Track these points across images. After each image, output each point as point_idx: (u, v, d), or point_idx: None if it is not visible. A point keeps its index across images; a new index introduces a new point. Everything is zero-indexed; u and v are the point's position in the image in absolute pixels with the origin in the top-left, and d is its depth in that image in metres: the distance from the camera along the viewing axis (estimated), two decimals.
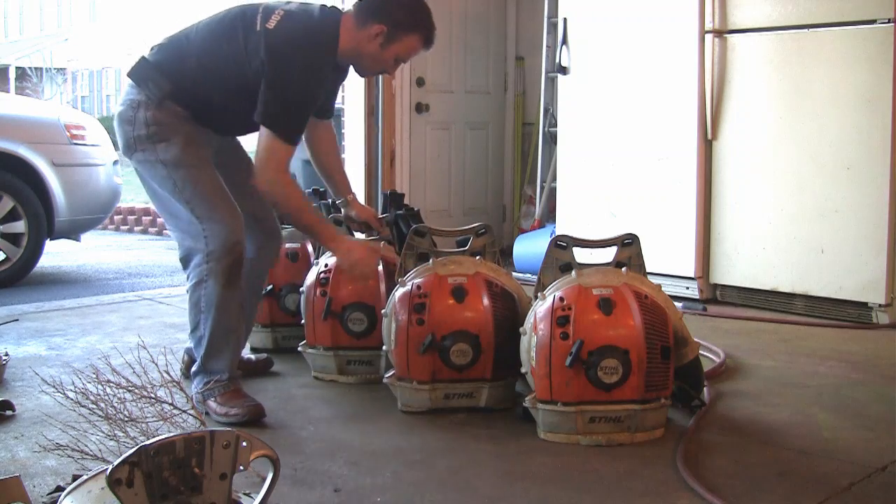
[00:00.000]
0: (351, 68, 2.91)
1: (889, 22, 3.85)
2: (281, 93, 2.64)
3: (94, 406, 2.28)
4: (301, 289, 3.23)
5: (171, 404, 2.33)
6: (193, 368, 2.81)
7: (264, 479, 1.69)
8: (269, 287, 3.49)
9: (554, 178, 5.49)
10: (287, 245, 3.58)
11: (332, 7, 2.80)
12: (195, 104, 2.76)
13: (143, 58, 2.80)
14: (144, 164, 2.76)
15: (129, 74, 2.79)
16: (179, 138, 2.72)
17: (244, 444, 1.64)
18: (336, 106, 6.30)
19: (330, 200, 3.59)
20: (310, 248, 3.57)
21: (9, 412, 2.73)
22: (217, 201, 2.71)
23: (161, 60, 2.77)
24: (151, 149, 2.72)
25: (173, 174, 2.70)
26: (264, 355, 3.35)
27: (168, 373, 2.43)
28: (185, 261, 2.77)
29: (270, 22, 2.67)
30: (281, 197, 2.71)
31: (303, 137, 2.90)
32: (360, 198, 5.72)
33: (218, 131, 2.86)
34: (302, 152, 6.98)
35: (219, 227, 2.67)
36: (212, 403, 2.72)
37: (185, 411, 2.33)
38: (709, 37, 4.37)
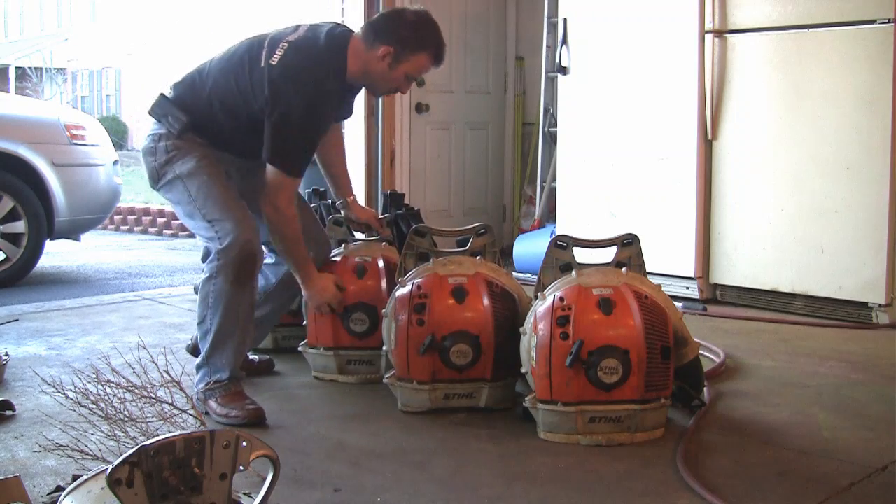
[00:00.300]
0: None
1: (889, 22, 3.85)
2: (284, 130, 2.72)
3: (94, 406, 2.28)
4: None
5: (171, 404, 2.33)
6: (197, 362, 2.85)
7: (264, 479, 1.69)
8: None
9: (554, 178, 5.49)
10: None
11: (341, 30, 2.84)
12: (212, 135, 2.85)
13: (161, 95, 2.89)
14: (168, 187, 2.85)
15: (150, 112, 2.89)
16: (195, 154, 2.81)
17: (244, 444, 1.64)
18: None
19: (330, 201, 3.60)
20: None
21: (9, 412, 2.73)
22: (227, 205, 2.77)
23: (177, 96, 2.87)
24: (171, 169, 2.82)
25: (189, 185, 2.79)
26: (266, 357, 3.36)
27: (168, 373, 2.43)
28: (204, 259, 2.88)
29: (274, 57, 2.73)
30: (282, 228, 2.83)
31: None
32: (360, 198, 5.72)
33: (237, 155, 2.94)
34: None
35: (229, 226, 2.73)
36: (212, 404, 2.74)
37: (185, 411, 2.33)
38: (709, 37, 4.37)
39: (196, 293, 4.12)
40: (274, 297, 3.16)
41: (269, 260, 3.13)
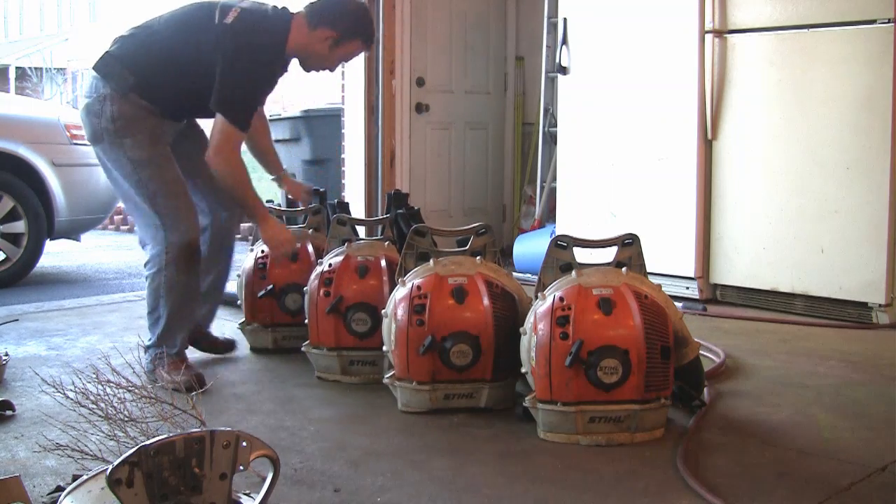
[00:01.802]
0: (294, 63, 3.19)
1: (889, 22, 3.85)
2: (234, 84, 2.95)
3: (94, 406, 2.28)
4: (304, 289, 3.23)
5: (171, 404, 2.33)
6: (147, 343, 3.10)
7: (264, 479, 1.69)
8: (270, 287, 3.50)
9: (554, 178, 5.49)
10: None
11: (284, 7, 3.08)
12: (158, 95, 3.01)
13: (107, 52, 3.05)
14: (110, 155, 3.03)
15: (95, 68, 3.03)
16: (145, 136, 3.00)
17: (244, 444, 1.64)
18: (335, 106, 6.33)
19: (336, 201, 3.63)
20: (310, 248, 3.58)
21: (9, 412, 2.74)
22: (177, 198, 3.00)
23: (125, 54, 3.02)
24: (118, 143, 2.99)
25: (139, 171, 2.99)
26: (230, 339, 3.56)
27: (168, 373, 2.43)
28: (144, 245, 3.10)
29: (228, 17, 2.96)
30: (230, 175, 3.00)
31: None
32: (360, 197, 5.74)
33: (179, 118, 3.14)
34: (302, 153, 7.01)
35: (177, 222, 2.97)
36: (161, 371, 2.99)
37: (185, 411, 2.33)
38: (709, 37, 4.37)
39: None
40: (211, 263, 3.32)
41: None
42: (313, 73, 3.19)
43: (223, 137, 2.95)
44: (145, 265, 3.08)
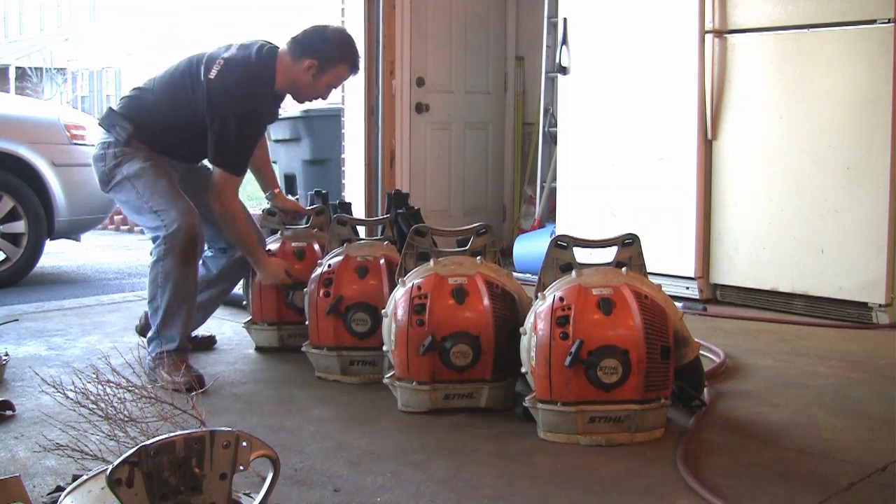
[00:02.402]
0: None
1: (889, 22, 3.85)
2: (224, 136, 3.11)
3: (94, 406, 2.28)
4: (304, 289, 3.23)
5: (171, 404, 2.33)
6: (149, 335, 3.18)
7: (264, 479, 1.69)
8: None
9: (554, 178, 5.49)
10: (293, 244, 3.59)
11: (269, 47, 3.21)
12: (156, 143, 3.20)
13: (110, 108, 3.28)
14: (117, 188, 3.20)
15: (100, 123, 3.27)
16: (141, 156, 3.17)
17: (244, 444, 1.64)
18: (335, 106, 6.33)
19: (338, 201, 3.64)
20: (316, 246, 3.58)
21: (9, 412, 2.73)
22: (172, 197, 3.12)
23: (125, 111, 3.22)
24: (119, 171, 3.17)
25: (136, 184, 3.14)
26: (209, 334, 3.69)
27: (168, 373, 2.43)
28: (152, 238, 3.19)
29: (212, 72, 3.12)
30: (229, 220, 3.22)
31: None
32: (360, 198, 5.74)
33: (181, 159, 3.31)
34: (302, 154, 7.01)
35: (174, 214, 3.07)
36: (161, 371, 3.02)
37: (185, 411, 2.33)
38: (709, 37, 4.37)
39: None
40: (214, 284, 3.50)
41: (208, 253, 3.51)
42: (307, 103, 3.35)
43: (221, 187, 3.16)
44: (151, 256, 3.19)
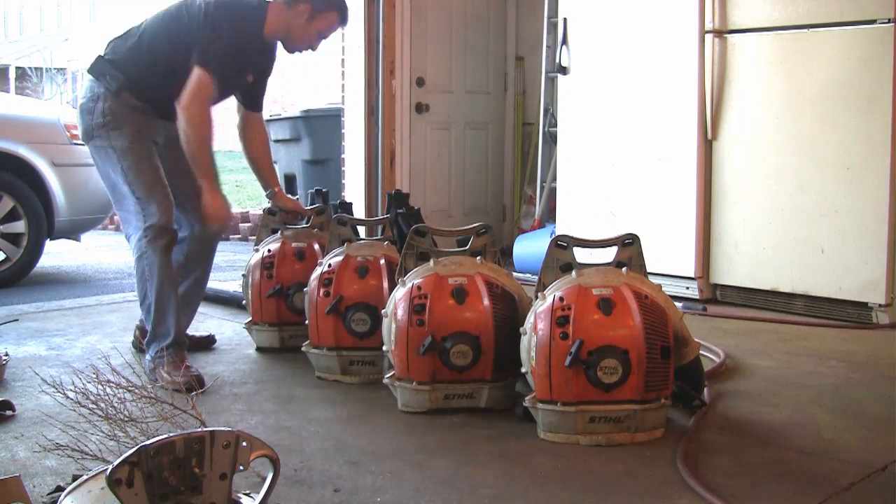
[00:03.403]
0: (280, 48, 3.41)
1: (889, 22, 3.85)
2: (213, 40, 3.12)
3: (94, 406, 2.28)
4: (305, 288, 3.23)
5: (171, 404, 2.33)
6: (147, 338, 3.19)
7: (264, 479, 1.69)
8: (277, 286, 3.51)
9: (554, 178, 5.49)
10: (293, 244, 3.59)
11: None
12: (148, 93, 3.19)
13: (99, 56, 3.24)
14: (99, 149, 3.20)
15: (89, 70, 3.25)
16: (129, 129, 3.17)
17: (244, 444, 1.64)
18: (335, 106, 6.33)
19: (338, 201, 3.64)
20: (316, 247, 3.58)
21: (9, 412, 2.73)
22: (153, 185, 3.15)
23: (115, 57, 3.21)
24: (105, 136, 3.17)
25: (122, 161, 3.15)
26: (207, 333, 3.71)
27: (168, 373, 2.43)
28: (128, 237, 3.21)
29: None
30: (195, 128, 3.10)
31: (240, 133, 3.55)
32: (360, 198, 5.74)
33: (169, 117, 3.20)
34: (302, 153, 7.01)
35: (153, 208, 3.11)
36: (161, 372, 3.05)
37: (185, 411, 2.33)
38: (709, 37, 4.37)
39: None
40: (188, 270, 3.43)
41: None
42: (297, 54, 3.36)
43: (195, 87, 3.09)
44: (133, 255, 3.20)
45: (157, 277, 3.12)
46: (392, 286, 2.97)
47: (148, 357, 3.16)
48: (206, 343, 3.66)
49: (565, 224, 4.91)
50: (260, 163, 3.61)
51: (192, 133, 3.10)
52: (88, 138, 3.22)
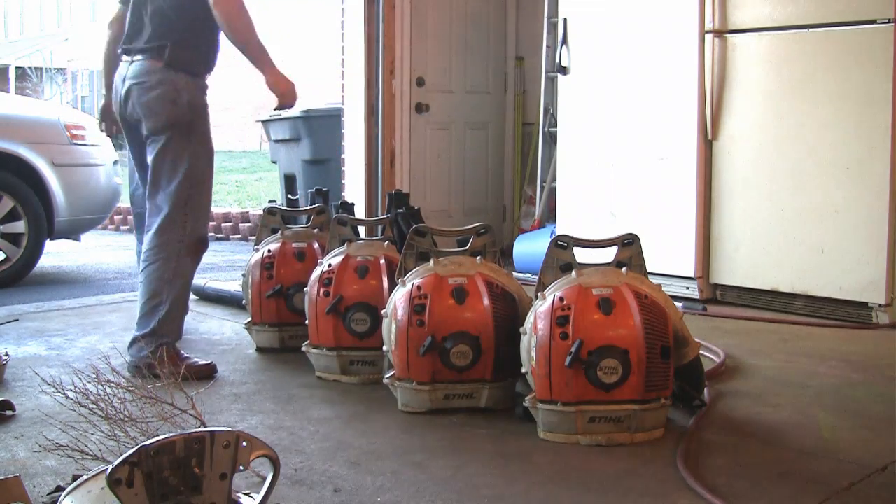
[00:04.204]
0: None
1: (889, 22, 3.85)
2: None
3: (94, 406, 2.28)
4: (305, 288, 3.23)
5: (171, 404, 2.33)
6: (139, 333, 3.16)
7: (264, 479, 1.69)
8: (277, 286, 3.51)
9: (554, 178, 5.49)
10: (294, 244, 3.59)
11: None
12: (204, 62, 3.25)
13: (167, 44, 3.16)
14: (177, 143, 3.16)
15: (168, 64, 3.15)
16: (209, 130, 3.25)
17: (244, 444, 1.64)
18: (335, 106, 6.34)
19: (339, 202, 3.64)
20: (316, 247, 3.58)
21: (9, 412, 2.73)
22: (208, 194, 3.25)
23: (176, 39, 3.16)
24: (187, 137, 3.17)
25: (194, 164, 3.17)
26: (207, 361, 3.30)
27: (168, 372, 2.43)
28: (161, 231, 3.15)
29: None
30: (237, 15, 3.12)
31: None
32: (361, 198, 5.74)
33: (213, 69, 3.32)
34: (302, 154, 7.02)
35: (203, 217, 3.24)
36: (163, 362, 2.75)
37: (185, 411, 2.33)
38: (709, 37, 4.37)
39: (194, 294, 4.28)
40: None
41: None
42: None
43: None
44: (149, 251, 3.16)
45: (181, 283, 3.16)
46: (392, 286, 2.97)
47: (144, 352, 3.09)
48: (208, 372, 3.21)
49: (565, 224, 4.91)
50: None
51: (237, 22, 3.12)
52: (167, 130, 3.15)
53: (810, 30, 4.09)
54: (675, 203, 4.53)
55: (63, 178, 5.56)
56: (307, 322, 3.19)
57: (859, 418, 2.77)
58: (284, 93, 3.23)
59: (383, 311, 2.86)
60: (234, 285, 4.51)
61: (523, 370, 2.60)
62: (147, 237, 3.20)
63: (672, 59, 4.51)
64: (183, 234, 3.14)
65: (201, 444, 1.60)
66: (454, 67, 6.18)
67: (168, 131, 3.15)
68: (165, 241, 3.14)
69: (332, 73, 6.59)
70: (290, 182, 6.87)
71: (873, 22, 3.90)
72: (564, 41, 4.97)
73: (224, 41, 3.25)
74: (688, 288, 4.54)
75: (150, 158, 3.20)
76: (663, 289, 2.66)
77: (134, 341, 3.17)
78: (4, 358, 3.18)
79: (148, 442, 1.59)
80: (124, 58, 3.27)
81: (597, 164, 4.83)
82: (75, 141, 5.66)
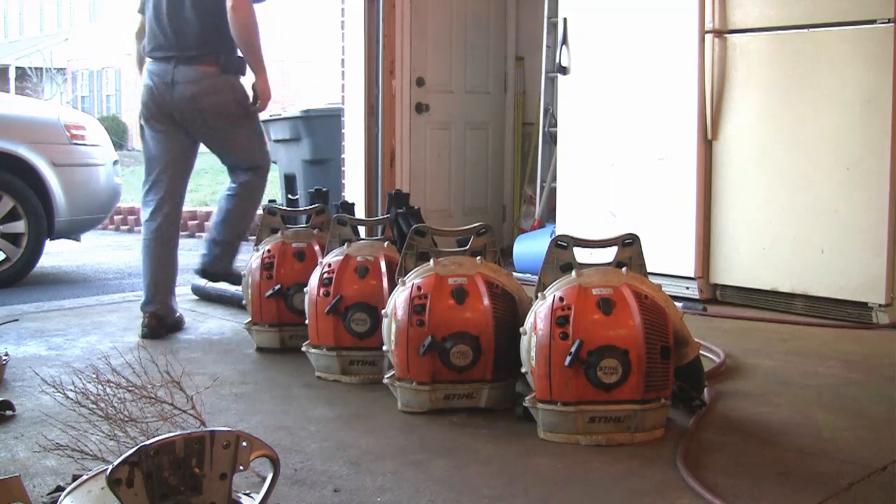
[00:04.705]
0: None
1: (889, 22, 3.85)
2: None
3: (94, 406, 2.28)
4: (305, 288, 3.23)
5: (171, 404, 2.33)
6: (219, 239, 4.08)
7: (264, 479, 1.69)
8: (277, 286, 3.51)
9: (554, 178, 5.49)
10: (293, 244, 3.59)
11: None
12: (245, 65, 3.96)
13: (220, 52, 3.84)
14: (244, 120, 3.98)
15: (224, 69, 3.87)
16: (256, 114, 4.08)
17: (244, 444, 1.64)
18: (335, 106, 6.34)
19: (339, 202, 3.64)
20: (316, 247, 3.58)
21: (9, 412, 2.73)
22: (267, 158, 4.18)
23: (226, 47, 3.85)
24: (248, 125, 4.02)
25: (257, 122, 4.10)
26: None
27: (168, 373, 2.43)
28: (246, 186, 4.08)
29: None
30: (244, 18, 3.77)
31: None
32: (361, 198, 5.74)
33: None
34: (302, 154, 7.01)
35: (268, 159, 4.15)
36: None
37: (185, 411, 2.33)
38: (709, 37, 4.37)
39: (194, 293, 4.34)
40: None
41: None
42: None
43: None
44: (241, 188, 4.05)
45: (248, 219, 4.16)
46: (392, 286, 2.97)
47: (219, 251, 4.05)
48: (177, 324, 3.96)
49: (565, 224, 4.91)
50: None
51: (248, 30, 3.79)
52: (234, 116, 3.90)
53: (810, 30, 4.09)
54: (675, 203, 4.53)
55: (63, 178, 5.57)
56: (307, 322, 3.19)
57: (859, 418, 2.77)
58: (265, 98, 3.94)
59: (383, 311, 2.86)
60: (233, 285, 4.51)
61: (523, 370, 2.60)
62: (237, 187, 4.06)
63: (672, 59, 4.51)
64: (262, 174, 4.08)
65: (201, 444, 1.60)
66: (454, 67, 6.18)
67: (230, 118, 3.89)
68: (252, 179, 4.05)
69: (332, 73, 6.59)
70: (290, 182, 6.88)
71: (873, 22, 3.90)
72: (564, 41, 4.97)
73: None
74: (688, 288, 4.54)
75: (221, 145, 4.03)
76: (663, 289, 2.66)
77: (212, 245, 4.03)
78: (4, 358, 3.18)
79: (148, 442, 1.59)
80: (160, 62, 3.84)
81: (597, 164, 4.83)
82: (75, 141, 5.66)
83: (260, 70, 3.87)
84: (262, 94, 3.90)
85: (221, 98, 3.85)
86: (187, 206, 9.62)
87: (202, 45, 3.81)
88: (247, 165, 4.04)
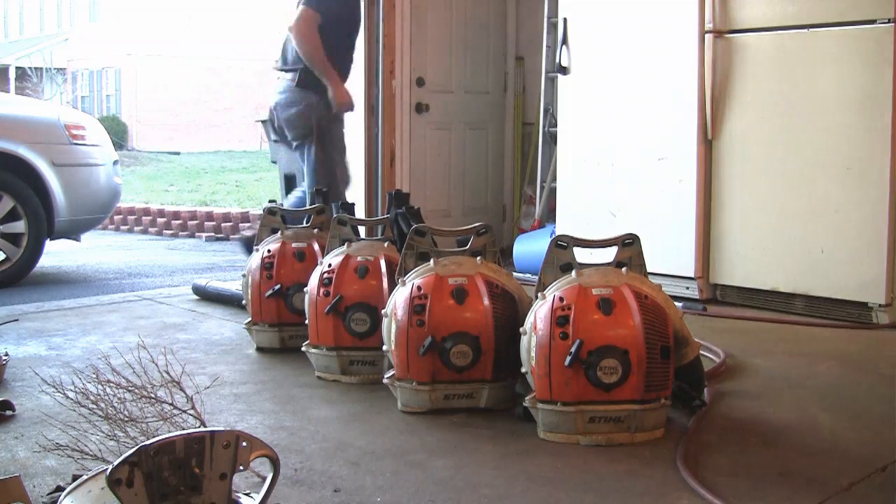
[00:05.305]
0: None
1: (889, 22, 3.85)
2: None
3: (94, 406, 2.28)
4: (305, 288, 3.23)
5: (171, 404, 2.33)
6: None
7: (264, 479, 1.69)
8: (277, 286, 3.50)
9: (554, 178, 5.49)
10: (293, 244, 3.59)
11: None
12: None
13: (301, 68, 4.42)
14: (309, 141, 4.50)
15: (300, 85, 4.45)
16: (338, 132, 4.63)
17: (244, 444, 1.64)
18: None
19: (340, 202, 3.64)
20: (316, 247, 3.58)
21: (9, 412, 2.73)
22: (343, 175, 4.75)
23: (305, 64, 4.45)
24: (320, 144, 4.48)
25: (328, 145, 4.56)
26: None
27: (168, 373, 2.43)
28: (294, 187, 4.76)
29: None
30: (306, 43, 4.32)
31: None
32: (361, 198, 5.74)
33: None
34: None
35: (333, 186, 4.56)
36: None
37: (185, 411, 2.33)
38: (709, 37, 4.37)
39: (194, 293, 4.34)
40: None
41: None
42: None
43: (301, 17, 4.33)
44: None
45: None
46: (392, 286, 2.97)
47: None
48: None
49: (565, 224, 4.91)
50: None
51: (305, 45, 4.30)
52: (307, 137, 4.45)
53: (810, 30, 4.09)
54: (675, 203, 4.53)
55: (63, 178, 5.57)
56: (307, 322, 3.19)
57: (859, 418, 2.77)
58: (340, 104, 4.43)
59: (383, 311, 2.86)
60: (234, 285, 4.52)
61: (523, 370, 2.60)
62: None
63: (672, 59, 4.51)
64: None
65: (201, 444, 1.60)
66: (454, 67, 6.18)
67: (305, 139, 4.42)
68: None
69: None
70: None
71: (873, 22, 3.90)
72: (564, 41, 4.97)
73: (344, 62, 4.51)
74: (688, 288, 4.54)
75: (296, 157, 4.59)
76: (663, 289, 2.66)
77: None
78: (4, 358, 3.19)
79: (148, 442, 1.59)
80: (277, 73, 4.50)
81: (597, 164, 4.83)
82: (75, 141, 5.66)
83: (329, 79, 4.39)
84: (334, 102, 4.41)
85: (293, 111, 4.43)
86: (187, 206, 9.68)
87: (293, 59, 4.41)
88: (309, 184, 4.43)
